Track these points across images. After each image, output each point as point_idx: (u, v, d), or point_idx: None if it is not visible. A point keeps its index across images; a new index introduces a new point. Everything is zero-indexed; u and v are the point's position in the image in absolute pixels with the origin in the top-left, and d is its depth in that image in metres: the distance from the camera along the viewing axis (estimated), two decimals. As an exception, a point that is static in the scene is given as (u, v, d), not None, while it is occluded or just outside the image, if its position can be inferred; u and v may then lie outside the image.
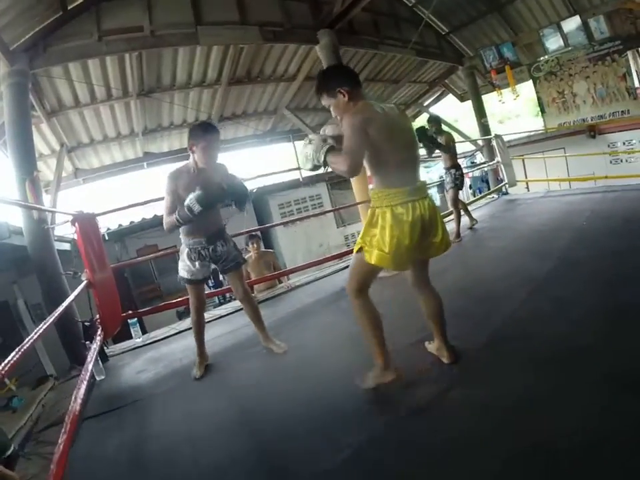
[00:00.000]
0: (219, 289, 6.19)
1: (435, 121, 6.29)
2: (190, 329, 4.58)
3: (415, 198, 2.29)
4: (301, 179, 10.72)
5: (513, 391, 2.18)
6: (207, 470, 2.16)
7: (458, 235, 6.12)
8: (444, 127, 6.62)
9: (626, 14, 10.38)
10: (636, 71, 12.36)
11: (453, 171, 6.23)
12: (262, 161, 26.01)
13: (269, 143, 12.39)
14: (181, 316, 8.20)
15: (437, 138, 5.94)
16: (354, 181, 6.91)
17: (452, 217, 6.41)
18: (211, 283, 11.09)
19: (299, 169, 10.19)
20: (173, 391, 3.21)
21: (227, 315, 4.95)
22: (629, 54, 11.36)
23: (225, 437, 2.41)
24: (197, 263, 3.52)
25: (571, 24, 10.98)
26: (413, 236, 2.26)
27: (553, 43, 11.38)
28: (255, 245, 5.72)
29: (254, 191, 11.07)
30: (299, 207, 12.46)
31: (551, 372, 2.28)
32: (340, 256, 6.33)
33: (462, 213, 6.56)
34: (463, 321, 3.16)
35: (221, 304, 7.92)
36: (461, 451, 1.87)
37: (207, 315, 4.97)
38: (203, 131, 3.21)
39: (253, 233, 5.83)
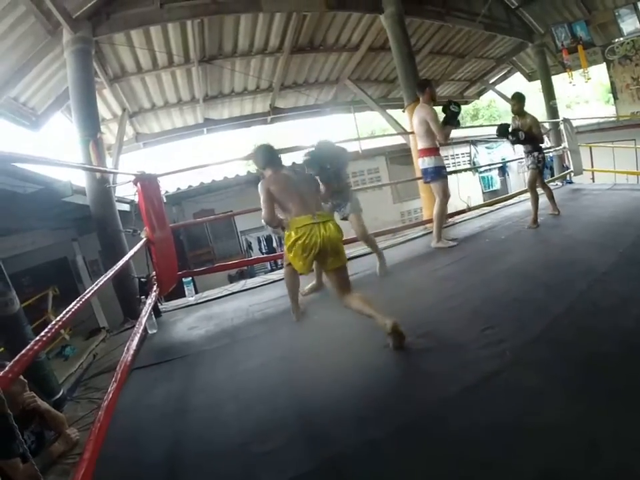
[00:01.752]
0: (271, 255, 6.23)
1: (517, 98, 5.97)
2: (241, 291, 4.71)
3: (313, 222, 3.03)
4: (360, 151, 10.62)
5: (564, 382, 2.14)
6: (247, 426, 2.21)
7: (535, 220, 5.78)
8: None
9: None
10: None
11: (535, 153, 5.89)
12: (322, 130, 25.87)
13: (330, 113, 12.25)
14: (232, 279, 8.33)
15: (518, 125, 5.87)
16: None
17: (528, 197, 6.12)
18: (264, 248, 11.28)
19: (359, 139, 10.02)
20: (223, 348, 3.30)
21: (279, 280, 4.90)
22: None
23: (269, 397, 2.44)
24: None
25: None
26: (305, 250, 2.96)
27: (630, 24, 10.54)
28: None
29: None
30: (355, 179, 12.42)
31: (605, 367, 2.20)
32: (393, 231, 6.26)
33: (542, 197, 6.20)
34: (522, 305, 3.15)
35: (272, 270, 7.99)
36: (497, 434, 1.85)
37: (259, 279, 5.07)
38: None
39: None
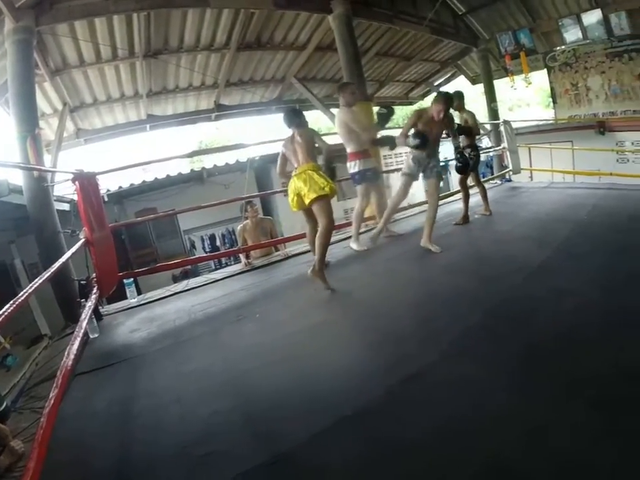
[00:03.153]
0: (215, 253, 6.15)
1: (457, 97, 6.04)
2: (184, 291, 4.63)
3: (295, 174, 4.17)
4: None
5: (502, 372, 2.27)
6: (192, 428, 2.19)
7: (465, 217, 5.99)
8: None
9: None
10: None
11: (468, 150, 6.03)
12: (266, 129, 25.75)
13: (275, 112, 12.08)
14: (176, 279, 8.16)
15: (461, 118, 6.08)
16: None
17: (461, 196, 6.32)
18: (207, 247, 11.12)
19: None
20: (165, 350, 3.24)
21: (222, 279, 4.97)
22: None
23: (212, 398, 2.44)
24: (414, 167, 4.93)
25: (592, 17, 10.68)
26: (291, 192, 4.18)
27: (572, 34, 11.09)
28: (253, 211, 5.67)
29: (256, 158, 10.97)
30: None
31: (540, 357, 2.36)
32: (338, 227, 6.27)
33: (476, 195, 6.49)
34: (461, 299, 3.31)
35: (216, 269, 7.88)
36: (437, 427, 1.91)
37: (202, 279, 5.00)
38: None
39: (250, 199, 5.79)
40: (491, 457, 1.69)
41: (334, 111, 10.95)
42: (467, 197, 6.06)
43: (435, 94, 5.21)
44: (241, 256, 5.54)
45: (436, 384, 2.23)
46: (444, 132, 5.18)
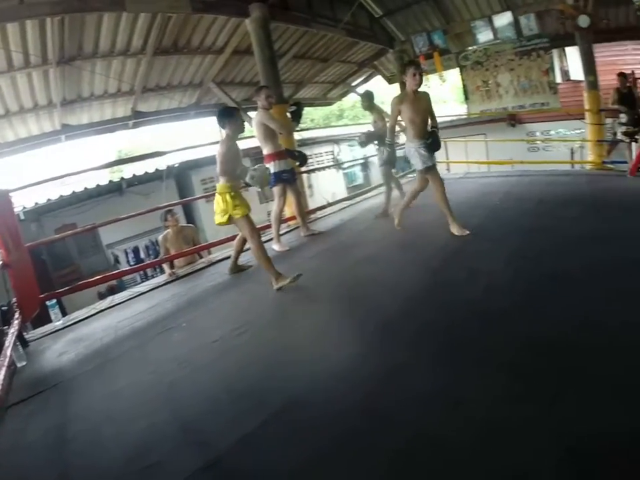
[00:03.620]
0: (139, 265, 6.00)
1: (366, 96, 6.36)
2: (109, 307, 4.51)
3: None
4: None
5: (427, 354, 2.49)
6: (128, 444, 2.16)
7: (385, 211, 6.23)
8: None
9: (557, 14, 10.85)
10: (560, 68, 13.06)
11: (383, 148, 6.09)
12: (186, 134, 25.27)
13: (194, 117, 11.97)
14: (102, 296, 7.87)
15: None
16: None
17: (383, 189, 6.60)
18: (132, 260, 10.74)
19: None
20: (95, 370, 3.15)
21: (148, 291, 4.87)
22: (554, 52, 12.02)
23: (145, 412, 2.43)
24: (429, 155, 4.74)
25: (502, 19, 11.33)
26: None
27: (483, 35, 11.65)
28: (173, 219, 5.55)
29: (176, 165, 10.71)
30: None
31: (459, 332, 2.64)
32: (262, 229, 6.29)
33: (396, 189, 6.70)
34: (383, 288, 3.60)
35: (142, 281, 7.66)
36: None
37: (127, 294, 4.88)
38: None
39: (170, 208, 5.67)
40: (417, 430, 1.86)
41: (252, 114, 11.01)
42: (389, 193, 6.32)
43: (407, 62, 5.07)
44: (165, 266, 5.42)
45: (367, 373, 2.36)
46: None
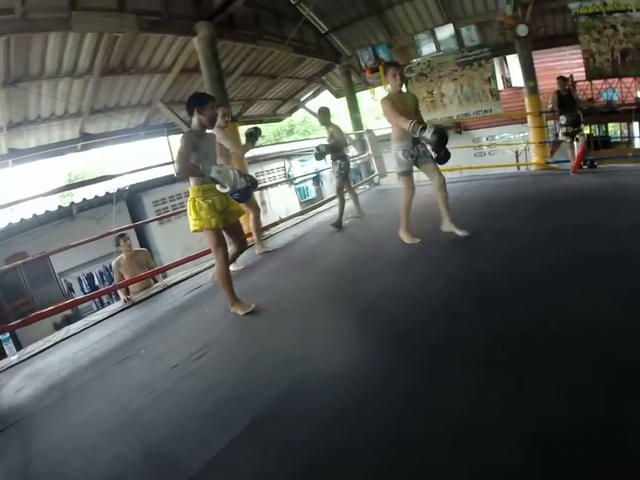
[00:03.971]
0: (93, 293, 5.86)
1: (323, 112, 6.49)
2: (65, 338, 4.40)
3: None
4: (175, 174, 10.42)
5: (384, 353, 2.67)
6: (95, 478, 2.13)
7: (339, 223, 6.33)
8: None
9: (496, 25, 11.30)
10: (502, 76, 13.59)
11: (339, 161, 6.41)
12: (135, 156, 24.82)
13: (143, 138, 11.88)
14: (58, 326, 7.65)
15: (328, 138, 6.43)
16: None
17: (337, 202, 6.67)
18: (86, 288, 10.42)
19: (173, 162, 9.88)
20: (54, 404, 3.06)
21: (103, 319, 4.75)
22: (495, 60, 12.60)
23: (110, 442, 2.38)
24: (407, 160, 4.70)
25: (445, 31, 11.84)
26: None
27: (427, 47, 12.16)
28: (126, 244, 5.48)
29: (126, 188, 10.53)
30: (174, 203, 12.10)
31: (422, 334, 2.77)
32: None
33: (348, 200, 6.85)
34: (337, 301, 3.72)
35: (98, 309, 7.49)
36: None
37: (82, 323, 4.77)
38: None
39: (122, 233, 5.57)
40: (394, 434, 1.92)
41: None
42: (342, 204, 6.44)
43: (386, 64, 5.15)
44: (119, 292, 5.31)
45: (323, 386, 2.43)
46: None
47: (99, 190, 10.50)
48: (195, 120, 3.57)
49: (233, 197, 5.28)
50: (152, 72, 9.63)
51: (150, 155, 23.49)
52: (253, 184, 5.41)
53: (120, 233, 5.53)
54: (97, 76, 8.54)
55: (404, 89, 4.86)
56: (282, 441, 2.04)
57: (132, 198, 11.26)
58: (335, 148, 6.40)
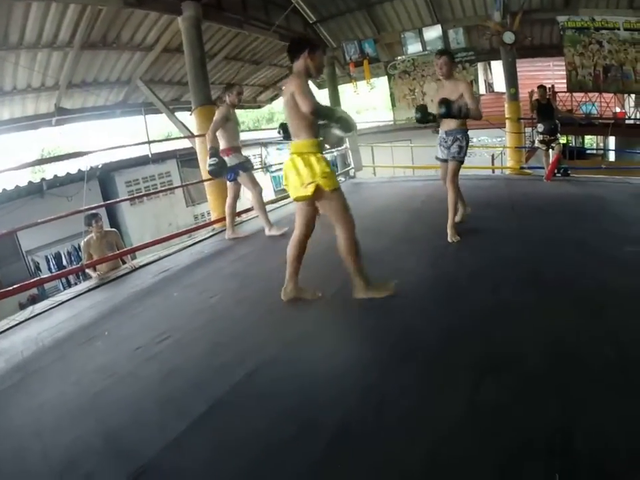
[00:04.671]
0: (59, 272, 5.74)
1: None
2: (30, 318, 4.31)
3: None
4: (150, 155, 10.25)
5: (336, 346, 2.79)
6: (56, 460, 2.11)
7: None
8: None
9: (483, 30, 11.47)
10: (484, 80, 13.84)
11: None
12: (111, 133, 24.35)
13: (120, 116, 11.59)
14: (24, 306, 7.49)
15: None
16: (201, 159, 7.23)
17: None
18: (53, 267, 10.19)
19: (148, 142, 9.74)
20: (16, 386, 3.00)
21: (69, 300, 4.64)
22: (480, 64, 13.09)
23: (71, 425, 2.36)
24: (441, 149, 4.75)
25: (432, 32, 11.98)
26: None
27: (412, 46, 12.28)
28: (97, 225, 5.34)
29: (99, 166, 10.35)
30: (147, 184, 11.93)
31: (381, 331, 2.89)
32: (187, 232, 6.37)
33: None
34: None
35: (64, 289, 7.32)
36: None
37: (48, 302, 4.68)
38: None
39: (94, 212, 5.45)
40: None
41: (180, 115, 10.80)
42: None
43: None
44: (89, 271, 5.21)
45: (279, 376, 2.47)
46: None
47: (71, 167, 10.30)
48: (299, 64, 3.08)
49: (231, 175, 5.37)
50: (133, 49, 9.45)
51: (125, 134, 23.08)
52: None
53: (92, 212, 5.41)
54: (77, 49, 8.33)
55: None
56: (238, 427, 2.07)
57: (104, 177, 11.05)
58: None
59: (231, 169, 5.46)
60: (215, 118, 5.36)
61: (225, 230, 6.01)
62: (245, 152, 5.92)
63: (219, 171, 5.41)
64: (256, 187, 5.63)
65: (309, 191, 2.97)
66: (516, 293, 3.16)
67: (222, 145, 5.47)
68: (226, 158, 5.40)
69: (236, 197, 5.79)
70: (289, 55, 3.13)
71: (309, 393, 2.25)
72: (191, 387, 2.47)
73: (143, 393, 2.54)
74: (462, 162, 4.61)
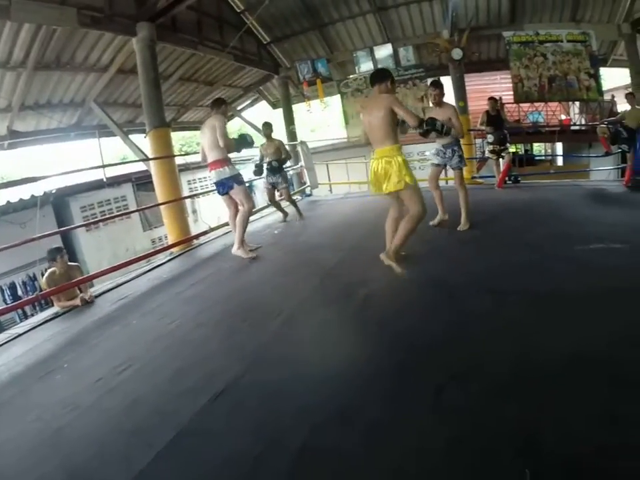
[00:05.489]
0: (17, 303, 5.56)
1: (267, 126, 6.97)
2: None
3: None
4: (104, 179, 10.11)
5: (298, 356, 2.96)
6: None
7: (300, 213, 7.28)
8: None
9: (433, 47, 12.12)
10: None
11: (284, 172, 7.09)
12: (64, 157, 23.71)
13: (74, 139, 11.44)
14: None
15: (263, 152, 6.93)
16: (156, 183, 7.28)
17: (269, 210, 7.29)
18: (9, 298, 9.79)
19: (103, 166, 9.64)
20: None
21: (25, 332, 4.52)
22: (429, 80, 13.02)
23: (34, 462, 2.32)
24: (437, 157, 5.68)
25: (383, 50, 12.55)
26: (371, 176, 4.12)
27: (364, 64, 12.75)
28: (62, 260, 5.07)
29: (53, 191, 10.10)
30: (102, 209, 11.54)
31: (339, 340, 3.14)
32: (145, 257, 6.26)
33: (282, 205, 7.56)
34: (264, 308, 3.88)
35: (21, 321, 7.08)
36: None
37: (4, 336, 4.54)
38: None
39: (59, 246, 5.32)
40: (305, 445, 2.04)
41: (133, 137, 10.73)
42: (295, 204, 7.30)
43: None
44: (54, 302, 5.00)
45: (243, 396, 2.54)
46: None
47: (24, 193, 9.87)
48: (384, 88, 4.03)
49: (224, 187, 5.37)
50: (88, 70, 9.38)
51: (79, 158, 22.53)
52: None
53: (57, 247, 5.25)
54: (31, 69, 8.21)
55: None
56: (205, 455, 2.10)
57: (59, 202, 10.63)
58: (283, 161, 6.98)
59: (225, 182, 5.35)
60: (220, 125, 5.21)
61: (183, 253, 5.98)
62: (201, 173, 5.95)
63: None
64: (249, 202, 5.47)
65: (401, 185, 3.88)
66: (474, 298, 3.38)
67: (219, 155, 5.31)
68: (221, 170, 5.31)
69: (236, 208, 5.61)
70: (375, 79, 4.10)
71: (273, 411, 2.32)
72: (156, 416, 2.48)
73: (107, 425, 2.51)
74: (464, 166, 5.66)
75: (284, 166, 7.27)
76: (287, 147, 7.18)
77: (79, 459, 2.27)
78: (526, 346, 2.57)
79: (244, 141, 5.60)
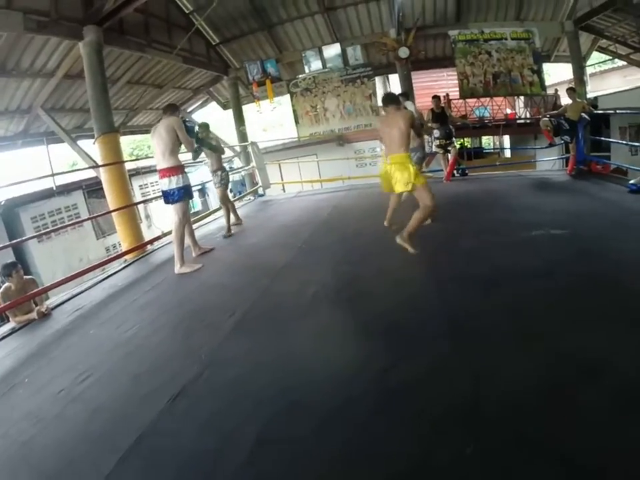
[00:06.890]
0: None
1: (204, 127, 6.80)
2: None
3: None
4: (54, 187, 9.93)
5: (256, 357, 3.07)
6: None
7: (229, 229, 6.87)
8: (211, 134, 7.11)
9: (380, 46, 12.43)
10: (383, 93, 14.95)
11: (219, 172, 6.94)
12: (11, 167, 22.82)
13: (21, 147, 11.15)
14: None
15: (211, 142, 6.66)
16: (107, 190, 7.23)
17: (222, 213, 7.12)
18: None
19: (52, 175, 9.48)
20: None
21: None
22: (378, 79, 14.12)
23: (5, 477, 2.36)
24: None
25: (331, 50, 12.87)
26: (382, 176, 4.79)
27: (313, 64, 13.08)
28: (18, 275, 4.98)
29: (2, 203, 9.82)
30: (53, 219, 11.26)
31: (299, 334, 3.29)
32: (99, 266, 6.22)
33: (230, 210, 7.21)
34: (219, 310, 3.96)
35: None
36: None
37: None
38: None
39: (14, 261, 5.21)
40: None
41: (82, 143, 10.59)
42: (228, 213, 6.98)
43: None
44: (10, 317, 4.89)
45: (202, 395, 2.67)
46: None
47: None
48: (396, 107, 4.83)
49: (172, 198, 5.26)
50: (34, 76, 9.20)
51: (28, 167, 21.69)
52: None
53: (12, 262, 5.15)
54: (-24, 77, 7.95)
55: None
56: (167, 454, 2.20)
57: (8, 214, 10.31)
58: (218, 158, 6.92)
59: (175, 192, 5.23)
60: (180, 126, 5.23)
61: (137, 260, 5.99)
62: (152, 177, 5.94)
63: None
64: (185, 216, 5.37)
65: (409, 187, 4.48)
66: (422, 284, 3.80)
67: (171, 162, 5.21)
68: (171, 178, 5.18)
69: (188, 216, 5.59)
70: (390, 102, 4.85)
71: (230, 407, 2.46)
72: (119, 421, 2.55)
73: (72, 434, 2.57)
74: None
75: (223, 166, 7.16)
76: (234, 147, 7.09)
77: (49, 468, 2.32)
78: (470, 323, 2.92)
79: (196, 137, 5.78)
